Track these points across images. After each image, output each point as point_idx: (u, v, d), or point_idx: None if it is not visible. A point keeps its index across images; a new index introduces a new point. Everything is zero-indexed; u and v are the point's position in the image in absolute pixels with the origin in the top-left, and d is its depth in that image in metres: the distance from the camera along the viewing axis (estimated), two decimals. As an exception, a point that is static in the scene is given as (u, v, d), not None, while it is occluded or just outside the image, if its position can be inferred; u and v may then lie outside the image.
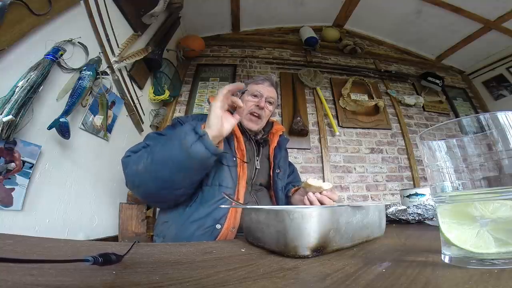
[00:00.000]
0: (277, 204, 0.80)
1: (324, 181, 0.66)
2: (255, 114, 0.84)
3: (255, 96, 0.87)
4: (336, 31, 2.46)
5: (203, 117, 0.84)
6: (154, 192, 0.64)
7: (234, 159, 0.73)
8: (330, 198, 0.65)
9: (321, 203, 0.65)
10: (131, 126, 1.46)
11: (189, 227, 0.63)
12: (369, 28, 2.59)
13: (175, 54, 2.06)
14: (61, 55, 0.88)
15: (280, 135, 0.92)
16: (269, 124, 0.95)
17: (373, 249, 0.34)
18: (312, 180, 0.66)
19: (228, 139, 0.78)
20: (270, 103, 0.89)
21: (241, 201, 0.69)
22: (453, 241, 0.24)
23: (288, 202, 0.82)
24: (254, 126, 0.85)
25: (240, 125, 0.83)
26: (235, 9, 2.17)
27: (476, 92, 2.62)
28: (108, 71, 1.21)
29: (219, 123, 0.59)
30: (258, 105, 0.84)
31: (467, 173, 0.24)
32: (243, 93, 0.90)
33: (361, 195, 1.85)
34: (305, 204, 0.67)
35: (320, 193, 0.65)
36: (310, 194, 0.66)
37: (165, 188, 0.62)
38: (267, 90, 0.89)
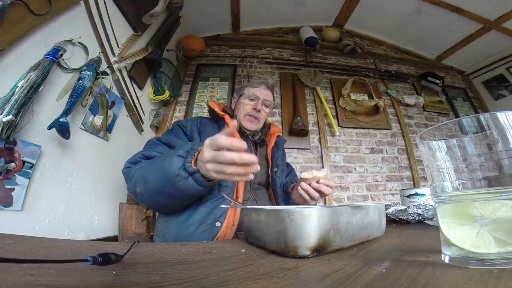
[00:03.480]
0: (276, 201, 0.82)
1: (322, 168, 0.67)
2: (252, 116, 0.87)
3: (252, 99, 0.90)
4: (336, 31, 2.46)
5: (202, 120, 0.87)
6: (155, 209, 0.72)
7: None
8: (327, 185, 0.67)
9: (319, 191, 0.67)
10: (131, 126, 1.46)
11: (190, 226, 0.63)
12: (369, 28, 2.59)
13: (175, 54, 2.05)
14: (61, 55, 0.88)
15: (277, 136, 0.95)
16: (266, 126, 0.99)
17: (373, 249, 0.34)
18: (305, 173, 0.67)
19: None
20: (266, 105, 0.92)
21: (240, 199, 0.69)
22: (453, 241, 0.24)
23: (288, 198, 0.84)
24: (252, 126, 0.88)
25: (238, 126, 0.85)
26: (235, 9, 2.17)
27: (476, 92, 2.62)
28: (108, 71, 1.21)
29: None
30: (255, 108, 0.88)
31: (467, 173, 0.24)
32: (240, 96, 0.94)
33: (361, 195, 1.85)
34: (303, 197, 0.68)
35: (318, 182, 0.66)
36: (303, 183, 0.68)
37: (165, 207, 0.67)
38: (263, 93, 0.92)
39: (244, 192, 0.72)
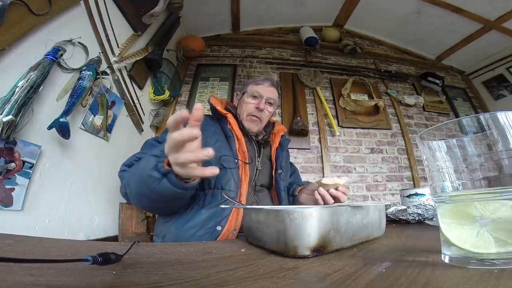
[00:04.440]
0: (280, 204, 0.79)
1: (338, 176, 0.65)
2: (254, 116, 0.84)
3: (255, 97, 0.86)
4: (336, 31, 2.46)
5: (204, 118, 0.84)
6: (149, 211, 0.69)
7: (236, 161, 0.73)
8: (344, 193, 0.65)
9: (336, 198, 0.65)
10: (131, 126, 1.46)
11: (190, 229, 0.62)
12: (369, 28, 2.59)
13: (175, 54, 2.06)
14: (61, 55, 0.88)
15: (281, 136, 0.91)
16: (270, 125, 0.95)
17: (373, 249, 0.34)
18: (326, 179, 0.65)
19: (229, 141, 0.78)
20: (270, 104, 0.88)
21: (244, 203, 0.68)
22: (453, 241, 0.24)
23: (294, 201, 0.82)
24: (254, 127, 0.84)
25: (241, 126, 0.83)
26: (235, 9, 2.17)
27: (476, 92, 2.62)
28: (108, 71, 1.21)
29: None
30: (257, 107, 0.84)
31: (467, 173, 0.24)
32: (243, 93, 0.90)
33: (361, 195, 1.85)
34: (317, 201, 0.66)
35: (336, 189, 0.65)
36: (321, 188, 0.65)
37: (156, 210, 0.65)
38: (267, 91, 0.88)
39: (247, 197, 0.71)
